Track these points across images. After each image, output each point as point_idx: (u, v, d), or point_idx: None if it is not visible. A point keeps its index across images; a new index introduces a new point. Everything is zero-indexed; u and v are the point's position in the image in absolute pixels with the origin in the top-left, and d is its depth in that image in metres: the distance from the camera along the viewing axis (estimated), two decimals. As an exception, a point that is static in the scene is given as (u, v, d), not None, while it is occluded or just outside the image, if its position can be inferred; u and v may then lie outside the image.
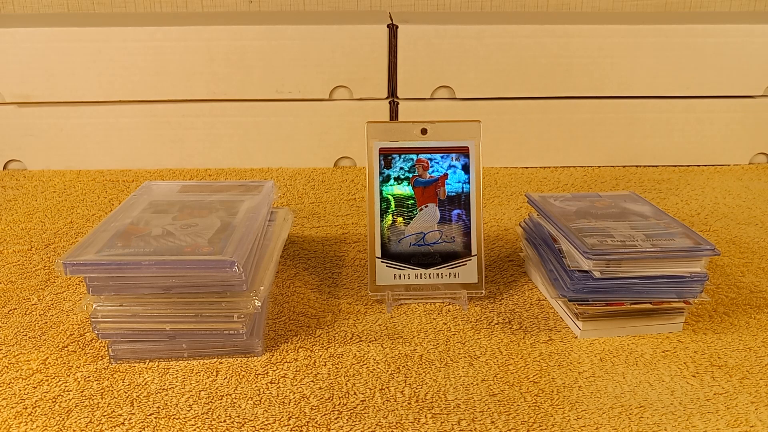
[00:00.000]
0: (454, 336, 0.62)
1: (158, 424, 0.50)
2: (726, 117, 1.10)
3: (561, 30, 1.04)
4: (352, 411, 0.52)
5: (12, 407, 0.52)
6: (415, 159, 0.67)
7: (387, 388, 0.54)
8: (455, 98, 1.07)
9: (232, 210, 0.65)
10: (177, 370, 0.56)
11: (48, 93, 1.05)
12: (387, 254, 0.67)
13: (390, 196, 0.67)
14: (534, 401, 0.53)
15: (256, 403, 0.53)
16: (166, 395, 0.53)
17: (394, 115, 1.08)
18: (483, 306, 0.67)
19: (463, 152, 0.67)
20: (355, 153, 1.10)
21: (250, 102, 1.07)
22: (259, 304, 0.56)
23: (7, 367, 0.57)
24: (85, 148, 1.08)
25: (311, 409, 0.52)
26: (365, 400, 0.53)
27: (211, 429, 0.50)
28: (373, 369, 0.57)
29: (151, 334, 0.57)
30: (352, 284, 0.71)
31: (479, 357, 0.58)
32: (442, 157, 0.67)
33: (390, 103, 1.08)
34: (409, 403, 0.53)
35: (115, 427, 0.50)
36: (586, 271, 0.60)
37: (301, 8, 1.29)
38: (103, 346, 0.60)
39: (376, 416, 0.51)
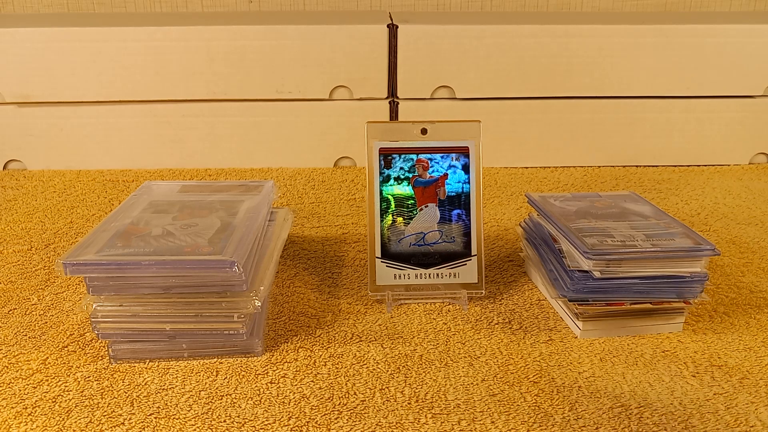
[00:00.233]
0: (454, 336, 0.62)
1: (158, 424, 0.50)
2: (726, 117, 1.10)
3: (561, 30, 1.04)
4: (352, 411, 0.52)
5: (12, 407, 0.52)
6: (415, 159, 0.67)
7: (387, 388, 0.54)
8: (455, 98, 1.07)
9: (232, 210, 0.65)
10: (177, 370, 0.56)
11: (48, 93, 1.05)
12: (387, 254, 0.67)
13: (390, 196, 0.67)
14: (534, 401, 0.53)
15: (256, 403, 0.53)
16: (166, 395, 0.53)
17: (394, 115, 1.08)
18: (483, 306, 0.67)
19: (463, 152, 0.67)
20: (355, 153, 1.10)
21: (250, 102, 1.07)
22: (259, 304, 0.56)
23: (7, 367, 0.57)
24: (85, 148, 1.08)
25: (311, 409, 0.52)
26: (365, 400, 0.53)
27: (211, 429, 0.50)
28: (373, 369, 0.57)
29: (151, 334, 0.57)
30: (352, 284, 0.71)
31: (479, 357, 0.58)
32: (442, 157, 0.67)
33: (390, 103, 1.08)
34: (409, 403, 0.53)
35: (115, 427, 0.50)
36: (586, 271, 0.60)
37: (301, 8, 1.29)
38: (103, 346, 0.60)
39: (376, 416, 0.51)
